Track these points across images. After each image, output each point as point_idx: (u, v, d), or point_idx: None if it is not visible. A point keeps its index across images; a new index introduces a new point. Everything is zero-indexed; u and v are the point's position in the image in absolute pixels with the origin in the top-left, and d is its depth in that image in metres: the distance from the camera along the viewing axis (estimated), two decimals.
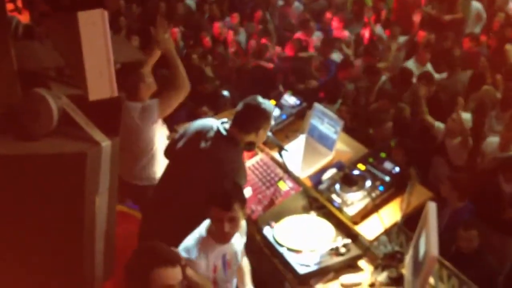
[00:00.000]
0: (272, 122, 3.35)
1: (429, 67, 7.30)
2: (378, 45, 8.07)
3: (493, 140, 5.24)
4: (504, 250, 4.56)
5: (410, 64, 7.39)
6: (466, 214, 4.52)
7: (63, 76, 3.16)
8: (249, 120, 3.20)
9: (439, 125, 5.59)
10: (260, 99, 3.24)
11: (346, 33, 8.81)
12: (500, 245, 4.55)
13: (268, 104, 3.26)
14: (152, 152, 3.95)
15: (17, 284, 2.48)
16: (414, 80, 6.57)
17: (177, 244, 2.79)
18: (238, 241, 2.96)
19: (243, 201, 2.81)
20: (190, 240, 2.83)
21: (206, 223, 2.86)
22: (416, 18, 8.73)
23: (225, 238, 2.80)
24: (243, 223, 2.99)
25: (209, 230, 2.83)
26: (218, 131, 3.19)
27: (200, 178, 3.11)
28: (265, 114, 3.22)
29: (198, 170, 3.15)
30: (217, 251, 2.83)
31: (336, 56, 7.90)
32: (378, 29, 8.87)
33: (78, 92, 2.65)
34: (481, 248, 4.15)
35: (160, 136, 3.99)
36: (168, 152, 3.49)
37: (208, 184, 3.00)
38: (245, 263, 3.13)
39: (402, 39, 8.48)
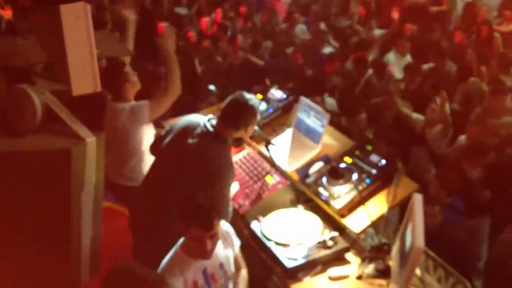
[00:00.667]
0: (259, 117, 3.34)
1: (408, 58, 7.35)
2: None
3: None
4: (478, 232, 4.63)
5: (391, 55, 7.44)
6: (454, 209, 4.56)
7: (47, 71, 3.13)
8: (237, 116, 3.19)
9: (418, 116, 5.63)
10: (247, 95, 3.22)
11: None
12: (474, 228, 4.61)
13: (255, 99, 3.25)
14: (140, 153, 3.91)
15: (3, 281, 2.47)
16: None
17: (165, 242, 2.73)
18: (221, 251, 2.81)
19: (220, 213, 2.67)
20: (165, 259, 2.68)
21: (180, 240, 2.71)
22: (394, 14, 8.76)
23: (207, 255, 2.63)
24: (229, 229, 2.90)
25: (182, 247, 2.67)
26: (205, 127, 3.18)
27: (188, 175, 3.09)
28: (252, 110, 3.21)
29: (185, 167, 3.13)
30: (194, 267, 2.66)
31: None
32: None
33: (62, 88, 2.63)
34: (445, 223, 4.19)
35: (148, 136, 3.96)
36: (154, 149, 3.46)
37: (196, 181, 2.99)
38: (242, 275, 2.99)
39: (378, 32, 8.51)
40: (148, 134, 3.90)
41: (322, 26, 8.60)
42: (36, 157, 2.36)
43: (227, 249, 2.83)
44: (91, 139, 2.42)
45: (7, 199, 2.35)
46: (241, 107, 3.18)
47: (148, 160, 3.86)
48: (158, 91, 3.87)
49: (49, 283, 2.50)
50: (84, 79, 2.45)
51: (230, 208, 3.15)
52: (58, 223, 2.40)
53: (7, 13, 5.93)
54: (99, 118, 2.66)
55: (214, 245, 2.62)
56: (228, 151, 3.20)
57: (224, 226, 2.86)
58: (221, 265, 2.78)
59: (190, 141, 3.17)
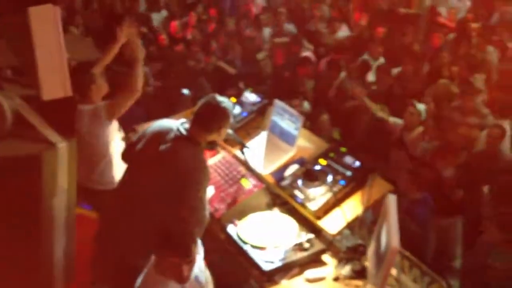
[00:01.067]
0: (232, 120, 3.32)
1: (382, 61, 7.42)
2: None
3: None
4: (451, 232, 4.69)
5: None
6: (423, 205, 4.61)
7: (16, 75, 3.07)
8: (210, 119, 3.17)
9: (395, 120, 5.69)
10: (219, 97, 3.20)
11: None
12: (446, 227, 4.67)
13: (228, 102, 3.24)
14: (108, 156, 3.85)
15: None
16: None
17: (138, 251, 2.68)
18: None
19: (196, 238, 2.66)
20: (139, 280, 2.65)
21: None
22: (363, 18, 8.84)
23: (183, 280, 2.61)
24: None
25: (157, 269, 2.63)
26: (178, 131, 3.14)
27: (162, 180, 3.05)
28: (225, 113, 3.19)
29: (159, 172, 3.08)
30: (171, 286, 2.63)
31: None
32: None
33: (32, 92, 2.58)
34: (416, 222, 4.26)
35: (115, 139, 3.91)
36: (126, 155, 3.41)
37: (171, 186, 2.96)
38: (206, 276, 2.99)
39: (341, 34, 8.59)
40: (114, 137, 3.85)
41: (290, 27, 8.64)
42: (6, 163, 2.30)
43: (197, 257, 2.80)
44: (62, 144, 2.38)
45: None
46: (214, 110, 3.16)
47: (118, 163, 3.82)
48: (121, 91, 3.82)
49: None
50: (54, 83, 2.41)
51: (207, 212, 3.13)
52: (29, 230, 2.34)
53: None
54: (70, 123, 2.61)
55: (191, 270, 2.60)
56: (202, 154, 3.18)
57: None
58: (196, 278, 2.76)
59: (163, 146, 3.13)
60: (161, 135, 3.17)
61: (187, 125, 3.17)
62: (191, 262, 2.57)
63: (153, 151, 3.14)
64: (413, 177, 4.59)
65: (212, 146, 3.25)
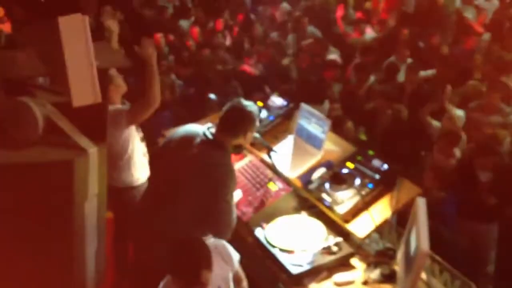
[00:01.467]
0: (258, 124, 3.33)
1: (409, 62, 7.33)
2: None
3: None
4: (485, 238, 4.60)
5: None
6: (447, 204, 4.55)
7: (48, 83, 3.14)
8: (236, 123, 3.19)
9: (436, 123, 5.61)
10: (244, 101, 3.22)
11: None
12: (482, 233, 4.58)
13: (253, 106, 3.25)
14: (127, 155, 3.92)
15: None
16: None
17: (162, 256, 2.69)
18: (219, 271, 2.75)
19: (209, 261, 2.61)
20: None
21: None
22: (391, 19, 8.76)
23: None
24: (226, 246, 2.89)
25: (175, 282, 2.62)
26: (204, 136, 3.17)
27: (190, 185, 3.08)
28: (251, 117, 3.20)
29: (187, 177, 3.11)
30: None
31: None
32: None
33: (63, 99, 2.63)
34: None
35: (135, 139, 3.97)
36: (154, 161, 3.46)
37: (199, 191, 2.99)
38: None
39: (368, 36, 8.52)
40: (133, 137, 3.90)
41: (314, 31, 8.61)
42: (38, 169, 2.35)
43: (224, 268, 2.82)
44: (93, 150, 2.42)
45: (9, 212, 2.34)
46: (239, 114, 3.18)
47: (137, 163, 3.88)
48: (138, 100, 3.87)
49: None
50: (84, 90, 2.46)
51: (234, 216, 3.14)
52: (63, 233, 2.39)
53: (6, 27, 5.96)
54: (100, 129, 2.66)
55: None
56: (228, 158, 3.20)
57: (221, 244, 2.85)
58: None
59: (190, 151, 3.16)
60: (187, 140, 3.20)
61: (213, 130, 3.19)
62: (204, 285, 2.54)
63: (179, 156, 3.17)
64: (435, 173, 4.54)
65: (239, 150, 3.27)
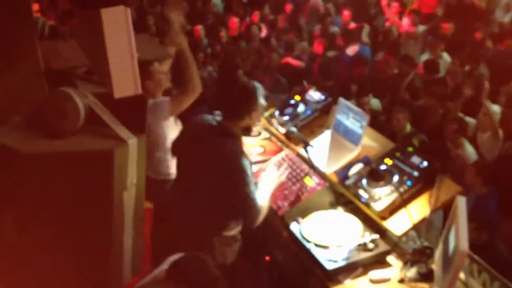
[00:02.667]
0: (262, 101, 3.29)
1: (446, 58, 7.17)
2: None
3: None
4: None
5: (426, 57, 7.28)
6: (490, 200, 4.45)
7: (90, 74, 3.19)
8: (236, 106, 3.20)
9: (470, 119, 5.50)
10: (243, 81, 3.25)
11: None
12: None
13: (252, 84, 3.26)
14: (165, 147, 3.96)
15: (47, 281, 2.51)
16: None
17: (190, 244, 2.71)
18: None
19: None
20: None
21: None
22: (439, 9, 8.59)
23: None
24: None
25: None
26: (212, 125, 3.21)
27: (205, 175, 3.12)
28: (249, 96, 3.20)
29: (201, 167, 3.15)
30: None
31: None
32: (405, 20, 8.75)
33: (104, 90, 2.67)
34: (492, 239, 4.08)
35: (173, 131, 4.00)
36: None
37: (215, 180, 3.05)
38: None
39: (421, 28, 8.37)
40: (171, 130, 3.94)
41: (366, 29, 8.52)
42: (79, 158, 2.40)
43: None
44: (132, 141, 2.45)
45: (51, 199, 2.39)
46: (237, 95, 3.20)
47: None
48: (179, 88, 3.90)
49: (91, 283, 2.54)
50: (125, 82, 2.48)
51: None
52: (102, 222, 2.43)
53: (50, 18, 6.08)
54: (140, 120, 2.69)
55: None
56: (236, 143, 3.20)
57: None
58: None
59: (201, 145, 3.21)
60: (198, 130, 3.24)
61: (218, 118, 3.23)
62: None
63: (194, 151, 3.22)
64: (478, 169, 4.45)
65: (247, 133, 3.29)
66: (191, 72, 3.79)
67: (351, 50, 7.76)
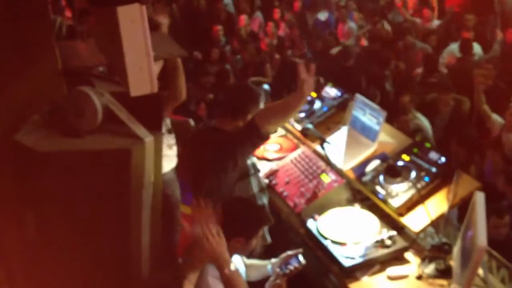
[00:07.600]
0: (260, 104, 3.28)
1: (478, 50, 7.04)
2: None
3: None
4: None
5: (454, 48, 7.16)
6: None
7: (106, 73, 3.21)
8: (236, 105, 3.25)
9: (496, 117, 5.42)
10: (246, 84, 3.30)
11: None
12: None
13: (252, 87, 3.31)
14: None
15: (64, 279, 2.54)
16: None
17: None
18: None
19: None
20: None
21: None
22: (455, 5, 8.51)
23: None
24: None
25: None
26: (207, 127, 3.31)
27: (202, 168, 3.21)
28: (251, 97, 3.24)
29: (199, 164, 3.26)
30: None
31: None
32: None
33: (120, 89, 2.69)
34: None
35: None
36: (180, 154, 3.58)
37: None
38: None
39: (436, 22, 8.30)
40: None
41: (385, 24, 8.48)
42: (97, 156, 2.41)
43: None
44: (149, 139, 2.46)
45: (68, 197, 2.42)
46: (236, 96, 3.27)
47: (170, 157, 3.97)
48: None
49: (110, 280, 2.56)
50: (142, 80, 2.49)
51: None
52: (119, 220, 2.45)
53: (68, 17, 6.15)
54: (156, 118, 2.70)
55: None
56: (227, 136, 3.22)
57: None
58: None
59: (197, 145, 3.28)
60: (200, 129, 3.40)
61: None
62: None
63: (191, 152, 3.33)
64: (508, 178, 4.40)
65: None
66: (180, 80, 3.72)
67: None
